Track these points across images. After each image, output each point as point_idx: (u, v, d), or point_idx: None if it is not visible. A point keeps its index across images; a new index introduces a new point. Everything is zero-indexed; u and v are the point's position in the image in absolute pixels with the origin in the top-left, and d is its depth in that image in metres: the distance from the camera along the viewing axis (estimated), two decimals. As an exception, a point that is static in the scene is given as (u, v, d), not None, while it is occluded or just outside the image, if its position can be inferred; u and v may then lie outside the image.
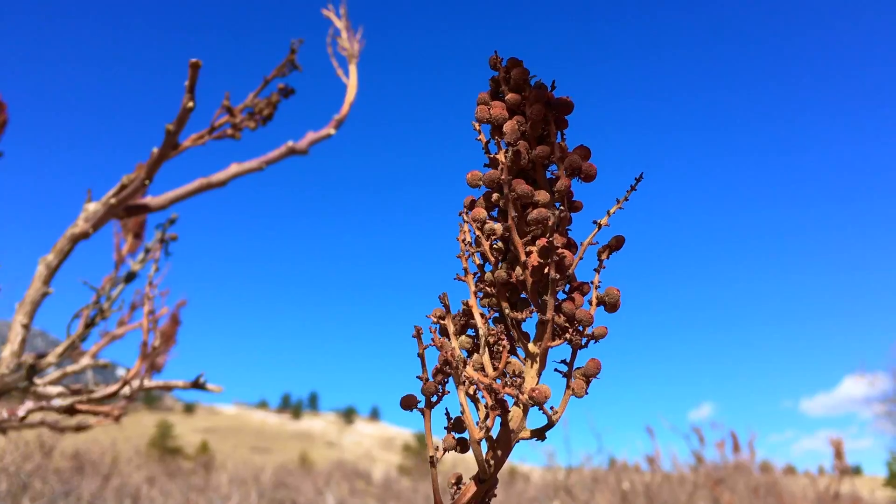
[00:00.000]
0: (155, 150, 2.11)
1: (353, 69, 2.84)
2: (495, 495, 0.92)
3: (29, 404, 2.08)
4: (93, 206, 2.26)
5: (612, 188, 0.95)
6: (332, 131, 2.68)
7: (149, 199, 2.41)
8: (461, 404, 0.86)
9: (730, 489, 8.84)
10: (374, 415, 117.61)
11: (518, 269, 0.90)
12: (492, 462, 0.87)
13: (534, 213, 0.86)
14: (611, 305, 0.91)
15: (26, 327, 2.20)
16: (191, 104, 1.98)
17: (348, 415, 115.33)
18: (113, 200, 2.21)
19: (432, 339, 0.90)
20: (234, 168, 2.48)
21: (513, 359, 0.90)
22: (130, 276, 2.48)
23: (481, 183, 0.92)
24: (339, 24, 2.90)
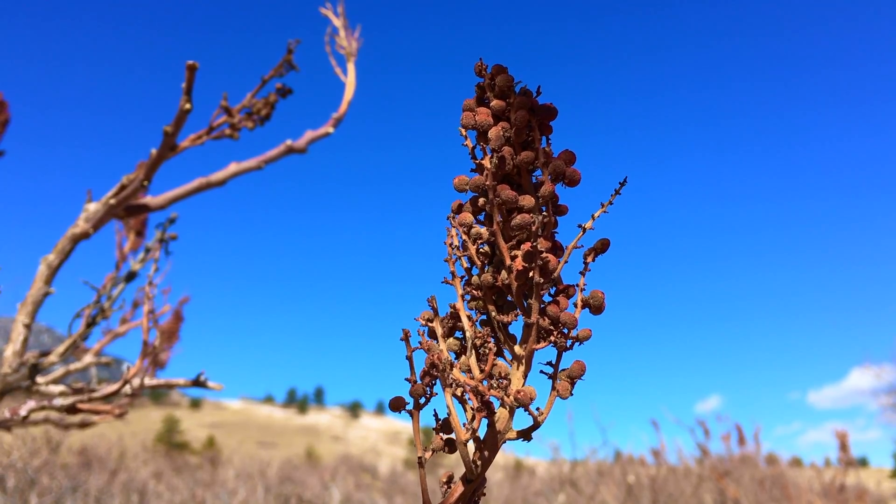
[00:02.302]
0: (153, 151, 2.12)
1: (351, 67, 2.84)
2: (484, 494, 0.93)
3: (31, 403, 2.09)
4: (93, 207, 2.27)
5: (601, 188, 0.96)
6: (331, 130, 2.69)
7: (148, 199, 2.42)
8: (448, 406, 0.87)
9: (735, 481, 8.84)
10: (380, 409, 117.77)
11: (504, 273, 0.91)
12: (479, 462, 0.88)
13: (517, 219, 0.87)
14: (595, 308, 0.92)
15: (28, 327, 2.22)
16: (188, 106, 1.99)
17: (354, 409, 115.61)
18: (113, 201, 2.23)
19: (420, 342, 0.92)
20: (233, 167, 2.49)
21: (499, 361, 0.92)
22: (131, 276, 2.50)
23: (468, 188, 0.93)
24: (337, 22, 2.90)
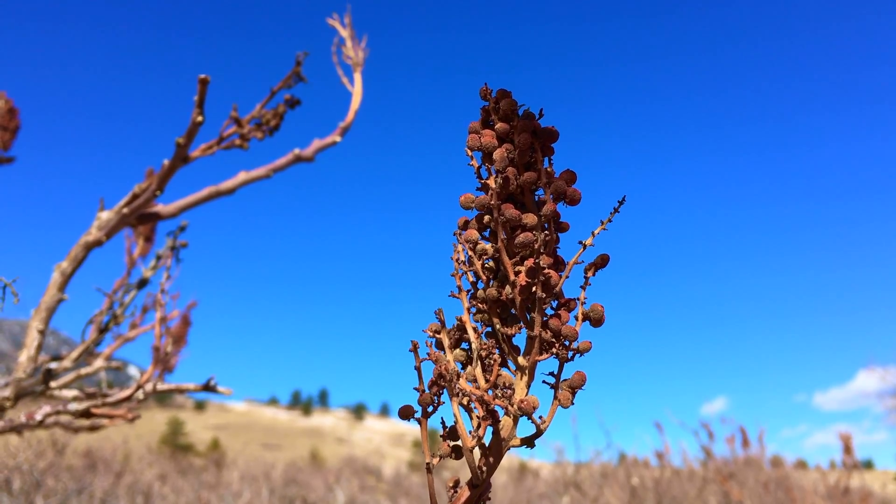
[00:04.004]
0: (166, 161, 2.17)
1: (357, 77, 2.89)
2: (489, 499, 0.98)
3: (46, 408, 2.14)
4: (105, 215, 2.32)
5: (603, 199, 1.00)
6: (338, 139, 2.73)
7: (160, 207, 2.47)
8: (455, 414, 0.92)
9: (739, 484, 8.85)
10: (384, 411, 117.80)
11: (508, 288, 0.95)
12: (484, 468, 0.93)
13: (521, 237, 0.91)
14: (595, 321, 0.96)
15: (42, 333, 2.27)
16: (200, 118, 2.04)
17: (358, 411, 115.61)
18: (125, 210, 2.27)
19: (428, 353, 0.96)
20: (242, 176, 2.54)
21: (504, 371, 0.96)
22: (142, 283, 2.54)
23: (474, 206, 0.98)
24: (344, 32, 2.95)
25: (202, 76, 1.94)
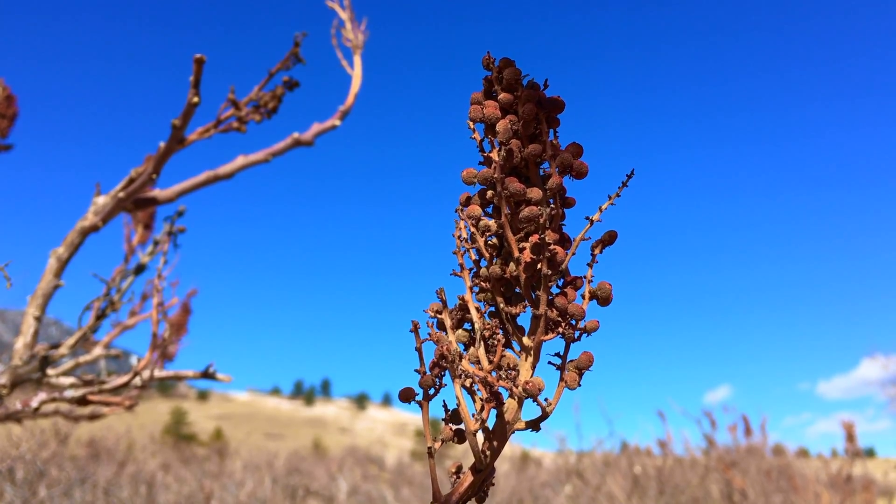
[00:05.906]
0: (161, 144, 2.13)
1: (357, 60, 2.85)
2: (493, 484, 0.94)
3: (42, 395, 2.11)
4: (102, 200, 2.29)
5: (609, 181, 0.96)
6: (338, 122, 2.69)
7: (157, 192, 2.43)
8: (457, 397, 0.88)
9: (741, 472, 8.84)
10: (387, 401, 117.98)
11: (512, 265, 0.92)
12: (488, 453, 0.89)
13: (525, 212, 0.88)
14: (603, 299, 0.93)
15: (38, 319, 2.24)
16: (196, 99, 2.00)
17: (361, 401, 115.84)
18: (121, 194, 2.24)
19: (429, 334, 0.93)
20: (240, 160, 2.50)
21: (508, 352, 0.93)
22: (140, 269, 2.51)
23: (476, 180, 0.94)
24: (344, 14, 2.90)
25: (198, 56, 1.90)
